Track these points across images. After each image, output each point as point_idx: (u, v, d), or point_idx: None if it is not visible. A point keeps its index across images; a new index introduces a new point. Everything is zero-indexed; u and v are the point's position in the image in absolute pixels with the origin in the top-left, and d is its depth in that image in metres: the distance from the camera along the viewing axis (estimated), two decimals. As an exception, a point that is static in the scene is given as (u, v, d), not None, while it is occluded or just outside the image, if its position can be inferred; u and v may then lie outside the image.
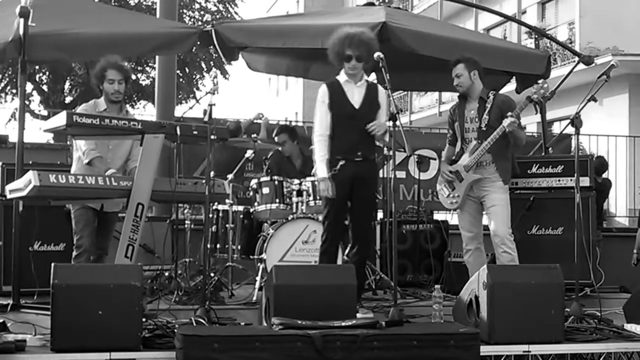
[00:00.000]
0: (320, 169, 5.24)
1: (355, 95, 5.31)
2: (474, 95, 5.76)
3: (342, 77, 5.35)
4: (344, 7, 28.12)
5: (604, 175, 9.40)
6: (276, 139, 7.13)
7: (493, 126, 5.60)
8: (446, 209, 6.18)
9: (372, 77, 8.49)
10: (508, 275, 4.55)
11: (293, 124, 9.43)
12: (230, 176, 6.61)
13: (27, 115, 19.25)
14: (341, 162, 5.23)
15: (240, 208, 6.48)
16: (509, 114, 5.52)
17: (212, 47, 7.23)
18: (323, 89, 5.33)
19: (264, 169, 6.91)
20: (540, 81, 5.76)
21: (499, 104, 5.68)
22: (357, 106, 5.30)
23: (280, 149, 7.13)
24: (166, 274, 6.34)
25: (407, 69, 7.68)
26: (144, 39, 6.83)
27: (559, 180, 6.79)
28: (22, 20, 5.62)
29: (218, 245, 6.48)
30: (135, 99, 21.15)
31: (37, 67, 19.21)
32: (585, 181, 6.65)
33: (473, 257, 5.76)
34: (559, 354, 4.56)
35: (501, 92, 6.53)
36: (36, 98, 21.03)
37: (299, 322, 4.07)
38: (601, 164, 9.13)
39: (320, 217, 6.12)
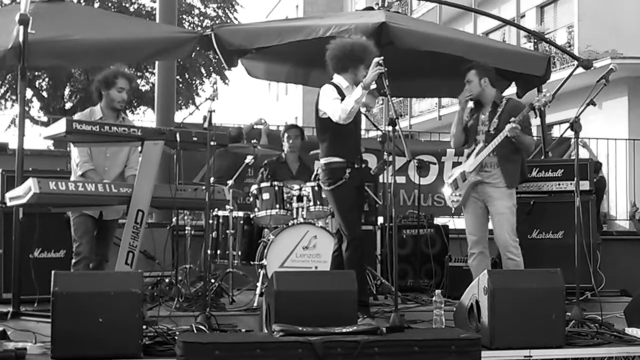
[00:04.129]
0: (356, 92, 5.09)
1: None
2: (487, 101, 5.80)
3: (343, 83, 5.31)
4: (343, 12, 28.16)
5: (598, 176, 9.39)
6: (288, 133, 7.09)
7: (501, 130, 5.61)
8: (449, 211, 6.17)
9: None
10: (509, 280, 4.55)
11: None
12: (230, 182, 6.61)
13: (27, 121, 19.25)
14: (348, 170, 5.25)
15: (241, 214, 6.48)
16: (512, 119, 5.55)
17: (212, 52, 7.22)
18: (330, 87, 5.25)
19: (262, 175, 6.90)
20: (544, 90, 5.77)
21: (509, 109, 5.71)
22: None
23: (282, 154, 7.11)
24: (167, 280, 6.33)
25: (406, 76, 7.67)
26: (143, 45, 6.82)
27: (559, 184, 6.80)
28: (21, 27, 5.62)
29: (218, 251, 6.48)
30: (135, 104, 21.17)
31: (37, 74, 19.23)
32: (585, 185, 6.65)
33: (477, 261, 5.73)
34: (560, 359, 4.56)
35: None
36: (36, 104, 21.05)
37: (300, 328, 4.06)
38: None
39: (323, 223, 6.15)
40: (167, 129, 5.11)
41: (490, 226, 5.85)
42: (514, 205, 5.70)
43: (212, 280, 6.12)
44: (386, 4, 7.85)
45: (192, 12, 21.79)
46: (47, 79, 20.40)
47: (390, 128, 5.04)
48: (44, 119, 20.29)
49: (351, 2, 33.02)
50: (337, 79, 5.35)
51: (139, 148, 4.96)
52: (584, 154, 9.44)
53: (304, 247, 5.95)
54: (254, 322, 5.13)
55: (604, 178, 9.96)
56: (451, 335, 4.20)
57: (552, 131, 16.93)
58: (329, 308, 4.28)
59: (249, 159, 6.79)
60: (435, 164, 8.38)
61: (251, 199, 6.47)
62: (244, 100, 59.75)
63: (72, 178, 5.38)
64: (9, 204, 4.90)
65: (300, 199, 6.22)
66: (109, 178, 5.33)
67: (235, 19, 21.72)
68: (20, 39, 5.64)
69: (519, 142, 5.66)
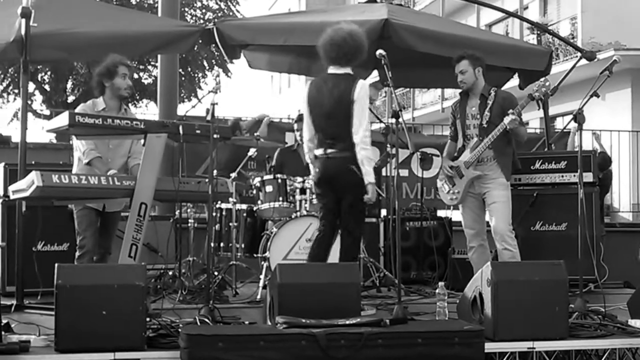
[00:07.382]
0: (372, 174, 5.00)
1: None
2: (476, 92, 5.76)
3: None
4: (346, 5, 28.08)
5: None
6: (299, 125, 7.08)
7: (494, 123, 5.61)
8: (447, 205, 6.17)
9: (375, 75, 8.51)
10: (512, 272, 4.55)
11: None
12: (233, 175, 6.60)
13: (30, 115, 19.19)
14: None
15: (244, 206, 6.47)
16: (510, 111, 5.53)
17: (214, 45, 7.21)
18: (367, 86, 5.07)
19: (267, 168, 6.90)
20: (542, 79, 5.76)
21: (500, 101, 5.69)
22: None
23: (295, 144, 7.08)
24: (170, 273, 6.34)
25: (410, 66, 7.66)
26: (146, 38, 6.81)
27: (562, 176, 6.79)
28: (23, 20, 5.60)
29: (222, 244, 6.48)
30: (138, 97, 21.19)
31: (39, 67, 19.24)
32: (588, 177, 6.63)
33: (477, 254, 5.76)
34: (563, 351, 4.56)
35: (503, 88, 6.53)
36: (38, 97, 21.10)
37: (303, 320, 4.07)
38: (604, 160, 9.11)
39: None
40: (170, 122, 5.10)
41: (486, 218, 5.85)
42: (510, 197, 5.71)
43: (216, 273, 6.13)
44: (389, -3, 7.82)
45: (194, 4, 21.77)
46: (49, 72, 20.43)
47: (393, 120, 5.00)
48: (47, 112, 20.33)
49: (354, -6, 32.97)
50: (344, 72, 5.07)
51: (142, 140, 4.95)
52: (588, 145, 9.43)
53: (307, 240, 5.94)
54: (257, 315, 5.14)
55: (611, 172, 9.93)
56: (454, 327, 4.20)
57: (555, 123, 16.91)
58: (333, 300, 4.29)
59: (252, 151, 6.78)
60: (438, 156, 8.31)
61: (254, 191, 6.47)
62: (246, 93, 59.73)
63: (76, 169, 5.36)
64: (12, 197, 4.90)
65: (303, 191, 6.22)
66: (113, 169, 5.32)
67: (238, 11, 21.69)
68: (23, 32, 5.63)
69: (515, 134, 5.66)
